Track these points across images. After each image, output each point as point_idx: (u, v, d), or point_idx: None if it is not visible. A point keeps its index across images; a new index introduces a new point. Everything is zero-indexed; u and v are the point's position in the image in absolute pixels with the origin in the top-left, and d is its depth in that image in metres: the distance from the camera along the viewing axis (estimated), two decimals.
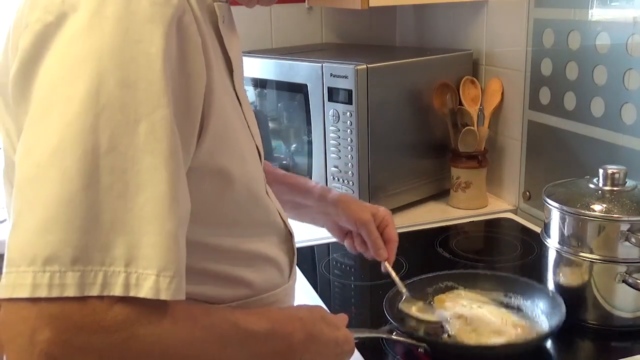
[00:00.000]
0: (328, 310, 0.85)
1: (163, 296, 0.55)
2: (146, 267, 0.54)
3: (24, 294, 0.52)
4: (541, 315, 1.07)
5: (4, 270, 0.53)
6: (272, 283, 0.82)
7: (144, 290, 0.54)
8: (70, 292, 0.52)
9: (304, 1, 2.01)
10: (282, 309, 0.82)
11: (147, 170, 0.56)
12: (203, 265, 0.73)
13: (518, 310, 1.10)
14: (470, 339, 1.00)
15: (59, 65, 0.57)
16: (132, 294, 0.54)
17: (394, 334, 0.99)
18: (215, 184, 0.71)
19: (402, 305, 1.07)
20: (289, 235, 0.88)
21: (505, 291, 1.13)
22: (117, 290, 0.53)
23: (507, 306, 1.11)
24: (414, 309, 1.07)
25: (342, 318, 0.88)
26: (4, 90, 0.67)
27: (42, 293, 0.52)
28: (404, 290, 1.08)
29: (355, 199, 1.14)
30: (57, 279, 0.52)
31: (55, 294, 0.52)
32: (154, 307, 0.56)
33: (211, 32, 0.71)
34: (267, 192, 0.83)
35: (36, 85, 0.58)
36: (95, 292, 0.53)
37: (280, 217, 0.86)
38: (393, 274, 1.07)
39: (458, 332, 1.02)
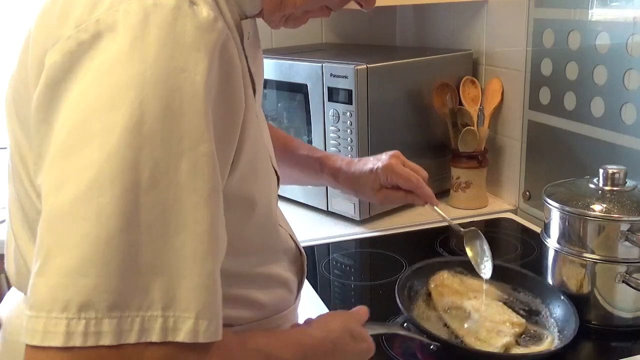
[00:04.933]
0: (353, 318, 0.85)
1: (201, 339, 0.53)
2: (184, 310, 0.52)
3: (57, 342, 0.49)
4: (550, 318, 1.06)
5: (29, 312, 0.50)
6: (282, 304, 0.82)
7: (182, 334, 0.52)
8: (107, 341, 0.49)
9: None
10: (316, 330, 0.79)
11: (189, 208, 0.53)
12: (222, 289, 0.72)
13: (518, 302, 1.11)
14: (476, 340, 1.00)
15: (96, 92, 0.53)
16: (169, 338, 0.51)
17: (405, 325, 0.98)
18: (241, 211, 0.69)
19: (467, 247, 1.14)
20: (299, 255, 0.87)
21: (508, 283, 1.13)
22: (155, 337, 0.51)
23: (507, 301, 1.11)
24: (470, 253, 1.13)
25: (363, 313, 0.87)
26: (17, 98, 0.63)
27: (77, 342, 0.49)
28: (460, 230, 1.15)
29: (359, 170, 1.15)
30: (92, 326, 0.49)
31: (90, 343, 0.49)
32: (190, 345, 0.53)
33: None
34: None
35: (66, 110, 0.54)
36: (132, 339, 0.50)
37: (292, 238, 0.85)
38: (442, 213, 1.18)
39: (457, 327, 1.02)
